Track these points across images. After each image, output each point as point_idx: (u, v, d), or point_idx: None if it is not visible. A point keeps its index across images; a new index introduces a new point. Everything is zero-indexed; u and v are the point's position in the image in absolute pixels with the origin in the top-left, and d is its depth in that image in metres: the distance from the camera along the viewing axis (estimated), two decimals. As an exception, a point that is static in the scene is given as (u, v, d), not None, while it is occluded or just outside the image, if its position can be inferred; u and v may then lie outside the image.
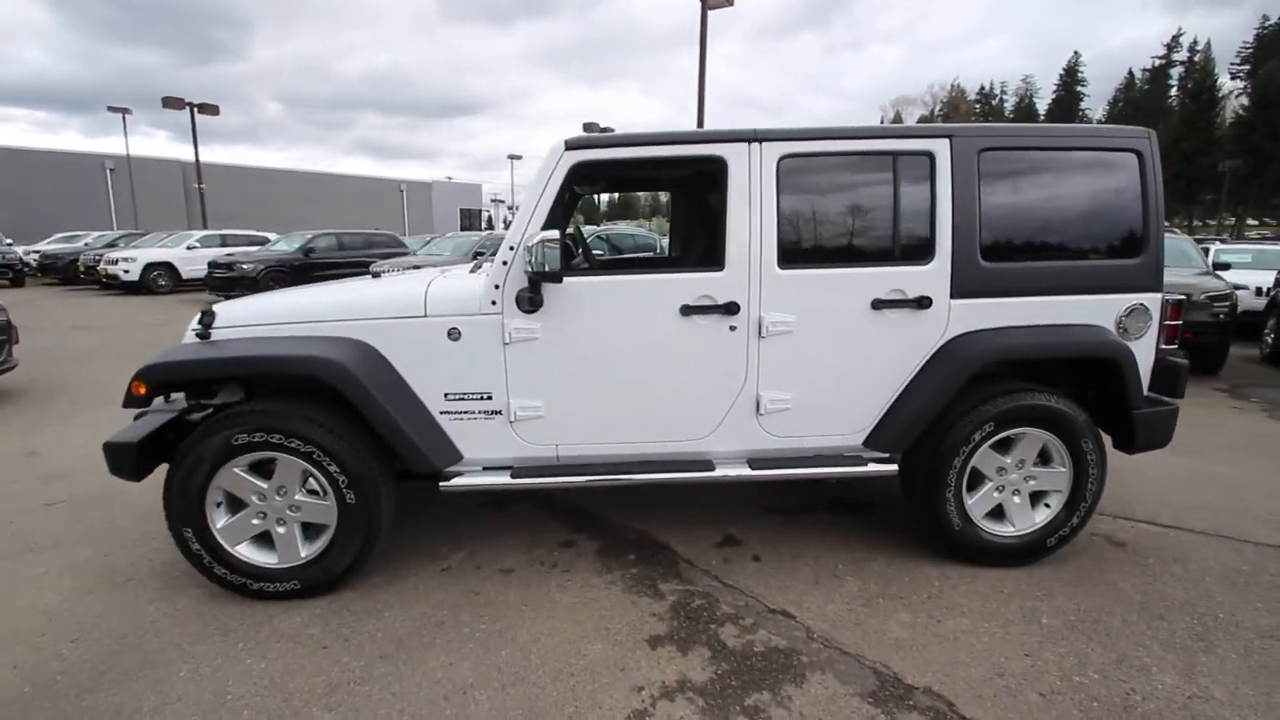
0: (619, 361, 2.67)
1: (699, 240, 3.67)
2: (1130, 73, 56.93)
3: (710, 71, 15.65)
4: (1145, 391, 2.88)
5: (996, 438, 2.75)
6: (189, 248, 17.20)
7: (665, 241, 5.90)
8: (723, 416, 2.74)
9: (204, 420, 2.57)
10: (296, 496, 2.60)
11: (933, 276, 2.67)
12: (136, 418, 2.77)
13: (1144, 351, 2.83)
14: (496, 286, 2.61)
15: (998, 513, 2.88)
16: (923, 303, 2.67)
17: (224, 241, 17.83)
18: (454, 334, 2.62)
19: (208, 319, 2.67)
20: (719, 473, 2.72)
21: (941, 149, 2.65)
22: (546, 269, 2.42)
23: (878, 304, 2.67)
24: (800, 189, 2.67)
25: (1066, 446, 2.79)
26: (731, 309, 2.63)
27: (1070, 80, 59.63)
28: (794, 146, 2.62)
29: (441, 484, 2.66)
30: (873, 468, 2.75)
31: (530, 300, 2.58)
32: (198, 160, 24.05)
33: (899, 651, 2.31)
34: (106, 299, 15.27)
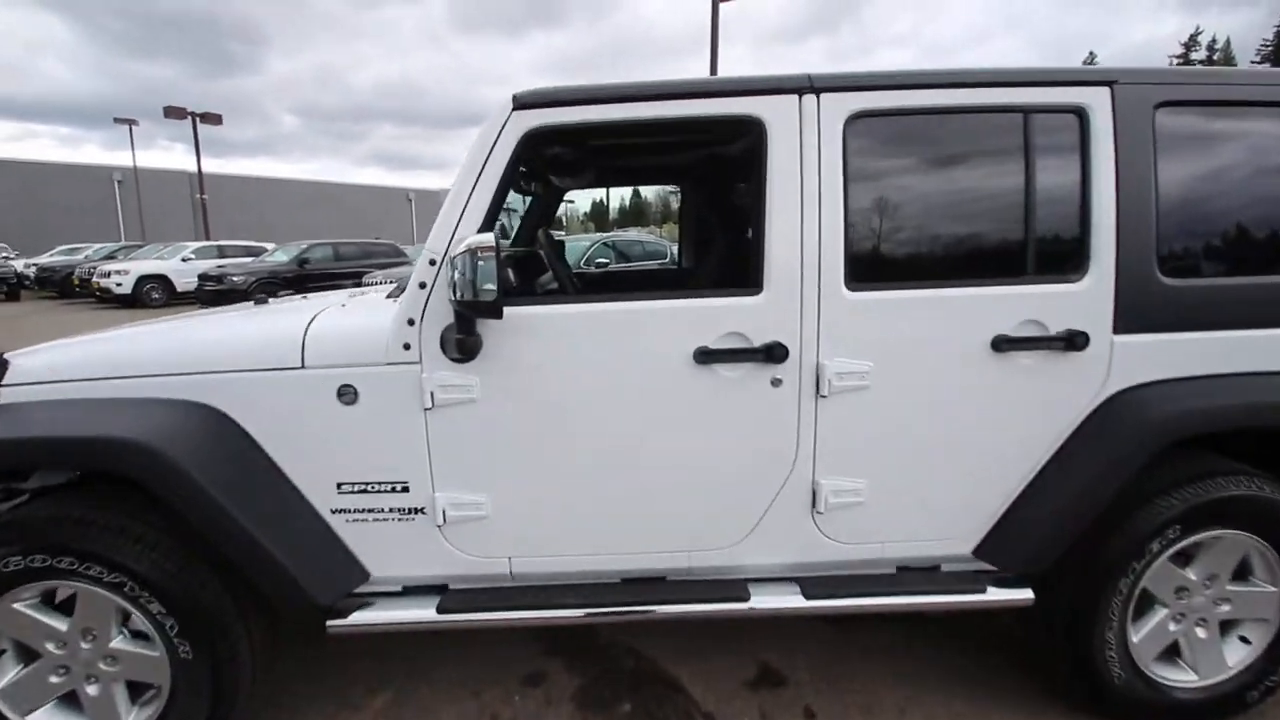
0: (599, 434, 1.75)
1: (722, 249, 2.74)
2: (1153, 71, 55.26)
3: (720, 75, 14.80)
4: None
5: (1180, 545, 1.80)
6: (184, 259, 16.67)
7: (676, 249, 4.86)
8: (760, 515, 1.81)
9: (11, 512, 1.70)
10: (113, 644, 1.71)
11: (1087, 300, 1.73)
12: None
13: None
14: (411, 322, 1.71)
15: (1171, 651, 1.92)
16: (1074, 341, 1.72)
17: (221, 253, 17.29)
18: (347, 394, 1.72)
19: (-5, 371, 1.80)
20: (754, 603, 1.78)
21: (1099, 102, 1.72)
22: (477, 295, 1.51)
23: (1001, 343, 1.72)
24: (880, 166, 1.74)
25: (1281, 555, 1.83)
26: (775, 354, 1.70)
27: (1094, 79, 58.11)
28: (870, 99, 1.69)
29: (329, 623, 1.75)
30: (994, 595, 1.79)
31: (460, 344, 1.67)
32: (200, 170, 23.64)
33: None
34: (100, 313, 14.70)
